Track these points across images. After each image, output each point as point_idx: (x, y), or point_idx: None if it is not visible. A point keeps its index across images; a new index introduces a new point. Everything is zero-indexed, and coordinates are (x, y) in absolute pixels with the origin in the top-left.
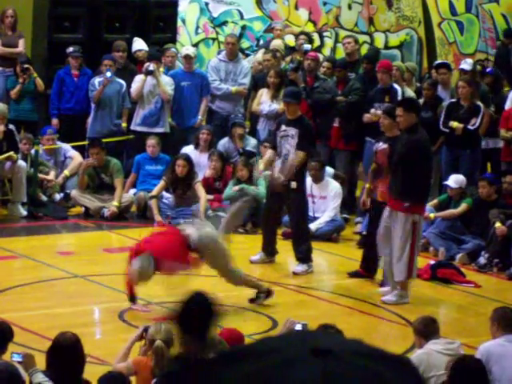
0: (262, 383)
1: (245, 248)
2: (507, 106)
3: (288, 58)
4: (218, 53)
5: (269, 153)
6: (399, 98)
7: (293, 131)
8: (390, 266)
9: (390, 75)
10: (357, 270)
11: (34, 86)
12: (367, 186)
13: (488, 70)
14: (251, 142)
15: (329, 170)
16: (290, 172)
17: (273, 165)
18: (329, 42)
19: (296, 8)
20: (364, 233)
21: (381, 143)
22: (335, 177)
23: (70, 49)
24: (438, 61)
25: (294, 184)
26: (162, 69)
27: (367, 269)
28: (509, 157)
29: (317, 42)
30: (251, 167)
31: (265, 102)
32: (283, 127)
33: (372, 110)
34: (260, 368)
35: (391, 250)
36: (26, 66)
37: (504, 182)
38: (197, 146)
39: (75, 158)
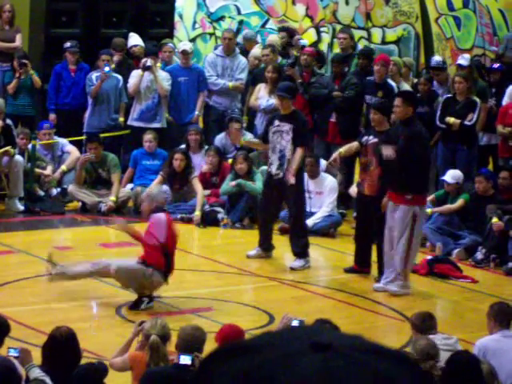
0: (262, 378)
1: (241, 243)
2: (504, 102)
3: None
4: (215, 48)
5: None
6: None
7: (287, 127)
8: (389, 259)
9: (386, 69)
10: (351, 266)
11: (31, 81)
12: (341, 150)
13: (497, 66)
14: (248, 137)
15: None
16: (295, 171)
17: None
18: (326, 38)
19: (293, 3)
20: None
21: (371, 137)
22: (328, 167)
23: (68, 44)
24: (433, 61)
25: (292, 179)
26: (159, 64)
27: (361, 263)
28: (506, 153)
29: (313, 38)
30: (251, 162)
31: (262, 96)
32: (276, 122)
33: None
34: (260, 362)
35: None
36: (24, 61)
37: (499, 177)
38: (188, 148)
39: (72, 152)
